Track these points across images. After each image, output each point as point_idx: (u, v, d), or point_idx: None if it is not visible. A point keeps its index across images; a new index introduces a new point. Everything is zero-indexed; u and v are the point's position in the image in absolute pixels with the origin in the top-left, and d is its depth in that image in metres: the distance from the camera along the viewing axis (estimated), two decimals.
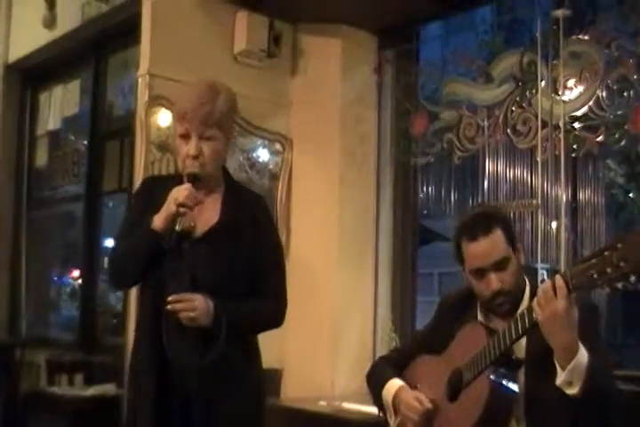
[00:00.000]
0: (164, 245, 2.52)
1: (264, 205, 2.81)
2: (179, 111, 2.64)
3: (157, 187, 2.70)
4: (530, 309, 2.22)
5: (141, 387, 2.62)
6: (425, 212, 5.50)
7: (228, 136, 2.69)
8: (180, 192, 2.53)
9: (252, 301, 2.63)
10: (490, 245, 2.41)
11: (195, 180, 2.58)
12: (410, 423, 2.56)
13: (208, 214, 2.65)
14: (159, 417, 2.56)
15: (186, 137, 2.61)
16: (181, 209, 2.50)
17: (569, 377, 2.14)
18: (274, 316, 2.72)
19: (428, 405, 2.52)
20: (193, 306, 2.47)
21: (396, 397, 2.63)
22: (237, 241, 2.61)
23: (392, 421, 2.67)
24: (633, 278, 1.95)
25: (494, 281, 2.40)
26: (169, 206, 2.52)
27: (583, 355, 2.15)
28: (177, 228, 2.50)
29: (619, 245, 1.97)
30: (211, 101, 2.58)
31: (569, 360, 2.14)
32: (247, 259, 2.62)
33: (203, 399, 2.53)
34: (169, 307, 2.47)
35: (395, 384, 2.67)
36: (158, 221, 2.54)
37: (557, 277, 2.15)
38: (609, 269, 1.98)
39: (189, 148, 2.59)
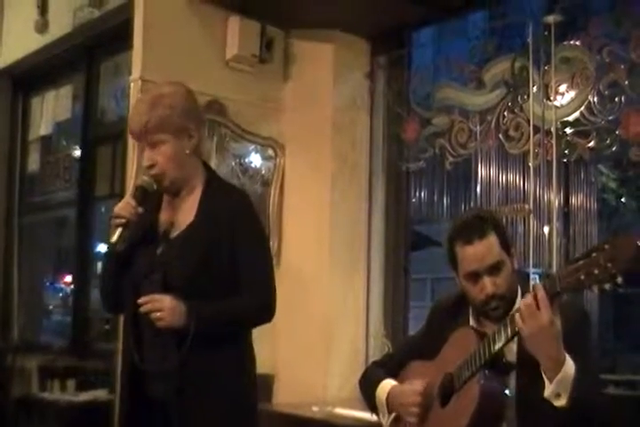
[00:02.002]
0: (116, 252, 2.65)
1: (244, 199, 2.76)
2: (129, 130, 2.72)
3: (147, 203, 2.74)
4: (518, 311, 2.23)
5: (121, 392, 2.67)
6: (417, 217, 5.50)
7: (183, 133, 2.66)
8: (118, 205, 2.63)
9: (235, 297, 2.61)
10: (485, 249, 2.41)
11: (141, 192, 2.65)
12: (414, 408, 2.54)
13: (185, 216, 2.67)
14: (136, 423, 2.61)
15: (143, 151, 2.68)
16: (116, 220, 2.58)
17: (557, 389, 2.15)
18: (261, 309, 2.67)
19: (422, 385, 2.53)
20: (160, 306, 2.48)
21: (389, 395, 2.64)
22: (213, 238, 2.60)
23: (385, 420, 2.67)
24: (620, 279, 1.96)
25: (489, 285, 2.40)
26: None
27: (570, 366, 2.16)
28: (112, 239, 2.59)
29: (606, 247, 1.98)
30: (146, 112, 2.61)
31: (556, 372, 2.15)
32: (224, 254, 2.60)
33: (179, 405, 2.53)
34: (140, 309, 2.50)
35: (388, 384, 2.68)
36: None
37: (538, 286, 2.16)
38: (596, 271, 1.99)
39: (144, 160, 2.66)
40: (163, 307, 2.48)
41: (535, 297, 2.15)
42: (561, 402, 2.15)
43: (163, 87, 2.73)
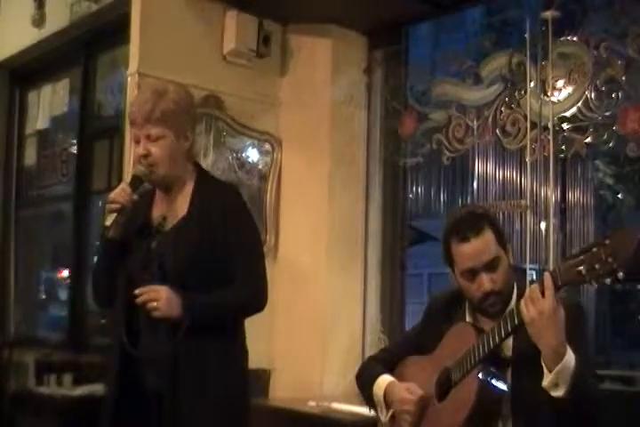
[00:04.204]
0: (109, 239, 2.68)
1: (234, 192, 2.82)
2: (129, 119, 2.74)
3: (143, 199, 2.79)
4: (518, 307, 2.23)
5: (110, 384, 2.70)
6: (414, 212, 5.49)
7: (181, 134, 2.71)
8: (114, 191, 2.67)
9: (228, 288, 2.64)
10: (481, 246, 2.41)
11: (136, 181, 2.68)
12: (406, 415, 2.55)
13: (178, 210, 2.72)
14: (124, 414, 2.63)
15: (137, 142, 2.70)
16: (111, 205, 2.62)
17: (555, 379, 2.14)
18: (253, 299, 2.71)
19: (420, 392, 2.53)
20: (156, 296, 2.52)
21: (387, 391, 2.64)
22: (205, 230, 2.64)
23: (383, 415, 2.68)
24: (621, 274, 1.96)
25: (486, 282, 2.40)
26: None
27: (570, 357, 2.15)
28: (106, 223, 2.64)
29: (607, 242, 1.98)
30: (152, 101, 2.66)
31: (556, 362, 2.14)
32: (217, 246, 2.64)
33: (170, 397, 2.55)
34: (137, 300, 2.54)
35: (385, 380, 2.68)
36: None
37: (546, 275, 2.15)
38: (597, 265, 1.99)
39: (138, 149, 2.68)
40: (159, 297, 2.52)
41: (542, 284, 2.14)
42: (558, 393, 2.15)
43: (166, 84, 2.81)
